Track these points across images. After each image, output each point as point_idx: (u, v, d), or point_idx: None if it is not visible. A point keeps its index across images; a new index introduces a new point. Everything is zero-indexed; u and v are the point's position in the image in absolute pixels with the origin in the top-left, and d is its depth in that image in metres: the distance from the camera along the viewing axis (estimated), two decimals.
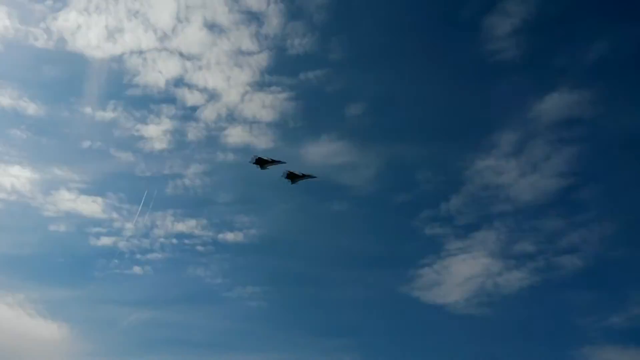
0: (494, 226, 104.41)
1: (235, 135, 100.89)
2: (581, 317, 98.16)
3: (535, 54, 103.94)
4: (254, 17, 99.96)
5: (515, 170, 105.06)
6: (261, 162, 63.82)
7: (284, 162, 63.85)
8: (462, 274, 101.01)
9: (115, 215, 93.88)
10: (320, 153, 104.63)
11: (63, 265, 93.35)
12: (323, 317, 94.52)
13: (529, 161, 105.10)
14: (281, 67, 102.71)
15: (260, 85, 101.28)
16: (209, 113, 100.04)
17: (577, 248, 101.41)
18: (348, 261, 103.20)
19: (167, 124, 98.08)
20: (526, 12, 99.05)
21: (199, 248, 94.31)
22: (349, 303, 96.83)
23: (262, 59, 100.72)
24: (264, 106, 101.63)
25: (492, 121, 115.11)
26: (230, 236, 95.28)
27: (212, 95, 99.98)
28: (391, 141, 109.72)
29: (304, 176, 64.24)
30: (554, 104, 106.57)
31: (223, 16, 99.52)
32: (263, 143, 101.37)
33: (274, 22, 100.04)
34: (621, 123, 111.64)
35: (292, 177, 64.22)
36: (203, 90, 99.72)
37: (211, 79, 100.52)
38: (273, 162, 64.01)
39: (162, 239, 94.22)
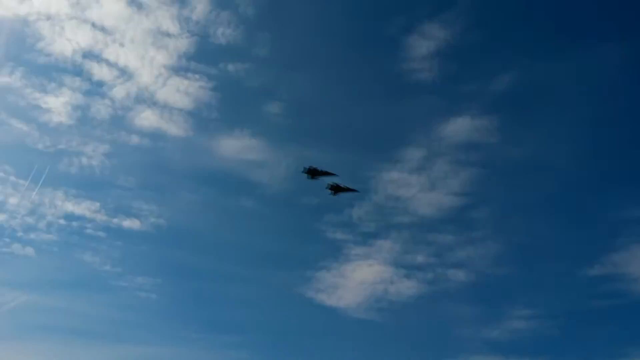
0: (392, 236, 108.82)
1: (146, 118, 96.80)
2: (462, 328, 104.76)
3: (447, 78, 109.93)
4: None
5: (417, 185, 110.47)
6: (313, 173, 63.77)
7: (336, 175, 63.78)
8: (358, 279, 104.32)
9: None
10: (234, 147, 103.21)
11: None
12: (216, 313, 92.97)
13: (430, 178, 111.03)
14: (203, 55, 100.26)
15: (178, 70, 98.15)
16: (118, 91, 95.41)
17: (464, 263, 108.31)
18: (249, 258, 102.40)
19: (69, 97, 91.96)
20: (445, 37, 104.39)
21: (89, 231, 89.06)
22: (245, 300, 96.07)
23: (184, 44, 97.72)
24: (180, 92, 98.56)
25: (402, 136, 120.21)
26: (127, 222, 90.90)
27: (125, 73, 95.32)
28: (305, 144, 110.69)
29: (347, 189, 64.47)
30: (459, 127, 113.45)
31: None
32: (175, 130, 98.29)
33: (199, 7, 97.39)
34: (514, 151, 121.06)
35: (336, 189, 64.43)
36: (115, 66, 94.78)
37: (125, 55, 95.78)
38: (326, 173, 63.85)
39: (49, 218, 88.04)
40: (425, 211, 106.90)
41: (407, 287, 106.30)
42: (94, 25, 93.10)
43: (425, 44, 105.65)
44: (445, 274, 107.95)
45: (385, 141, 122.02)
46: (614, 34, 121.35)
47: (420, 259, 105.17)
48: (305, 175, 64.37)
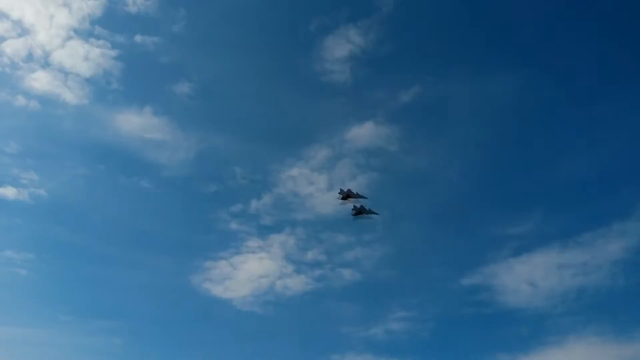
0: (287, 231, 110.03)
1: (37, 79, 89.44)
2: (345, 326, 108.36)
3: (358, 83, 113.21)
4: None
5: (321, 183, 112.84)
6: (346, 196, 65.85)
7: (367, 198, 65.54)
8: (254, 271, 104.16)
9: None
10: (133, 123, 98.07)
11: None
12: (91, 296, 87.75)
13: (331, 178, 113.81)
14: (110, 21, 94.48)
15: (80, 33, 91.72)
16: (15, 48, 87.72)
17: (352, 263, 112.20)
18: (141, 242, 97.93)
19: None
20: (361, 43, 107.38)
21: None
22: (126, 285, 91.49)
23: (94, 7, 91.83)
24: (80, 56, 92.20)
25: (309, 134, 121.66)
26: (1, 190, 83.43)
27: (18, 27, 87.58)
28: (211, 129, 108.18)
29: (369, 212, 65.34)
30: (364, 132, 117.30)
31: None
32: (69, 96, 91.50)
33: None
34: (409, 161, 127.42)
35: (359, 212, 65.54)
36: (7, 17, 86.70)
37: (21, 8, 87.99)
38: (358, 196, 65.61)
39: None
40: (325, 210, 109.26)
41: (296, 283, 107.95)
42: None
43: (341, 46, 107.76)
44: (333, 272, 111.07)
45: (292, 137, 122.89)
46: (514, 63, 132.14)
47: (311, 256, 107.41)
48: (340, 198, 66.76)
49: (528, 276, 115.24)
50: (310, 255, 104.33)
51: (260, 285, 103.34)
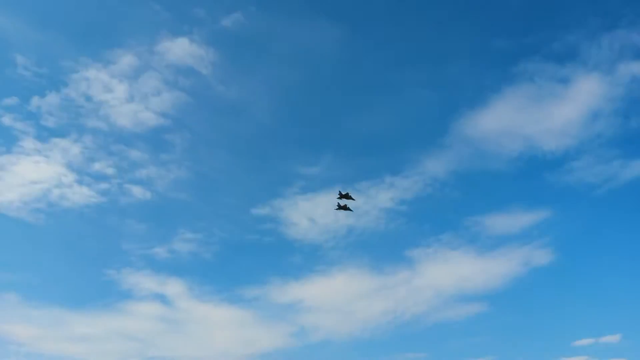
0: (79, 138, 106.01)
1: None
2: (130, 243, 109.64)
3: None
4: None
5: (121, 92, 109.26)
6: (343, 196, 78.07)
7: (355, 200, 79.65)
8: (26, 175, 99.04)
9: None
10: None
11: None
12: None
13: (136, 90, 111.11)
14: None
15: None
16: None
17: (146, 182, 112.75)
18: None
19: None
20: None
21: None
22: None
23: None
24: None
25: (116, 36, 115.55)
26: None
27: None
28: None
29: (348, 209, 79.83)
30: (178, 48, 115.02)
31: None
32: None
33: None
34: (221, 88, 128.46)
35: (341, 208, 79.68)
36: None
37: None
38: (351, 198, 78.28)
39: None
40: (124, 122, 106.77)
41: (76, 194, 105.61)
42: None
43: None
44: (121, 188, 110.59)
45: (93, 34, 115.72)
46: (338, 17, 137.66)
47: (98, 167, 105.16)
48: (338, 197, 79.15)
49: (309, 213, 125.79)
50: (97, 167, 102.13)
51: (32, 192, 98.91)
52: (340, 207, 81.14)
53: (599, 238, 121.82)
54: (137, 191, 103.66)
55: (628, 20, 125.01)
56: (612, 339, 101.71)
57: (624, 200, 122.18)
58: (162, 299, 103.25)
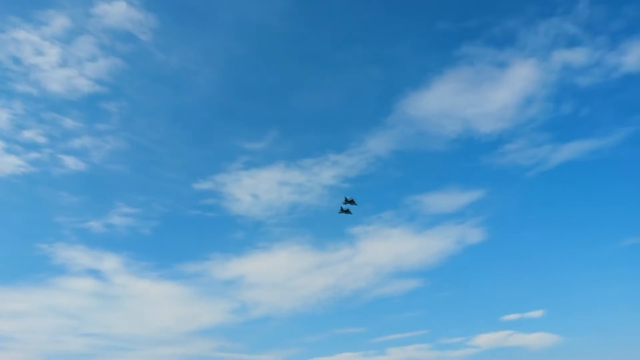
0: (6, 104, 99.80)
1: None
2: (63, 215, 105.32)
3: None
4: None
5: (53, 57, 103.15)
6: (349, 201, 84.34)
7: (357, 205, 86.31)
8: None
9: None
10: None
11: None
12: None
13: (69, 54, 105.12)
14: None
15: None
16: None
17: (80, 152, 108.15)
18: None
19: None
20: None
21: None
22: None
23: None
24: None
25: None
26: None
27: None
28: None
29: (348, 212, 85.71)
30: (114, 10, 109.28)
31: None
32: None
33: None
34: (164, 57, 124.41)
35: (343, 211, 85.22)
36: None
37: None
38: (354, 203, 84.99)
39: None
40: (56, 87, 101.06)
41: (4, 163, 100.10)
42: None
43: None
44: (54, 158, 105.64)
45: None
46: None
47: (28, 135, 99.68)
48: (343, 202, 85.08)
49: (253, 189, 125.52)
50: (27, 135, 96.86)
51: None
52: (342, 211, 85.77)
53: (528, 219, 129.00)
54: (71, 162, 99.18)
55: (563, 9, 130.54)
56: (536, 314, 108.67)
57: (553, 183, 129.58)
58: (97, 274, 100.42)
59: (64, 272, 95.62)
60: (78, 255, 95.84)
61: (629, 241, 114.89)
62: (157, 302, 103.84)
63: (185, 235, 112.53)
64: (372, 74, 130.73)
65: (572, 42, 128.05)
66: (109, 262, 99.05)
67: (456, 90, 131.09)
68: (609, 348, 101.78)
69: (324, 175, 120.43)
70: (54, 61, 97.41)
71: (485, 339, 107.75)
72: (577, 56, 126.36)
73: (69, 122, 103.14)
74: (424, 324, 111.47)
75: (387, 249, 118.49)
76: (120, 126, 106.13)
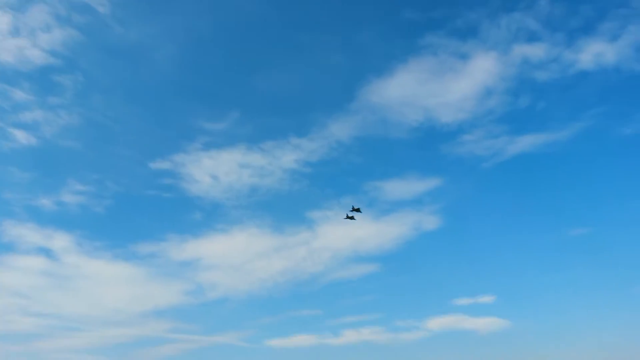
0: None
1: None
2: (12, 192, 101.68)
3: None
4: None
5: (4, 25, 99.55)
6: (355, 210, 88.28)
7: (360, 212, 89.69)
8: None
9: None
10: None
11: None
12: None
13: (22, 23, 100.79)
14: None
15: None
16: None
17: (31, 126, 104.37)
18: None
19: None
20: None
21: None
22: None
23: None
24: None
25: None
26: None
27: None
28: None
29: (352, 218, 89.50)
30: None
31: None
32: None
33: None
34: (122, 30, 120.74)
35: (348, 217, 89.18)
36: None
37: None
38: (359, 211, 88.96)
39: None
40: (1, 57, 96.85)
41: None
42: None
43: None
44: (5, 132, 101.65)
45: None
46: None
47: None
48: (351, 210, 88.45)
49: (212, 170, 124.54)
50: None
51: None
52: (348, 217, 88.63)
53: (482, 208, 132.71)
54: (21, 136, 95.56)
55: (525, 4, 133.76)
56: (487, 299, 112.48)
57: (507, 173, 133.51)
58: (47, 253, 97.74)
59: (12, 250, 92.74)
60: (28, 233, 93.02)
61: (577, 231, 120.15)
62: (110, 283, 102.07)
63: (141, 215, 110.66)
64: (337, 59, 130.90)
65: (532, 38, 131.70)
66: (60, 241, 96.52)
67: (419, 79, 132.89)
68: (556, 333, 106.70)
69: (285, 159, 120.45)
70: (5, 29, 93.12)
71: (437, 323, 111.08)
72: (536, 51, 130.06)
73: (19, 94, 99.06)
74: (378, 307, 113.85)
75: (346, 234, 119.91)
76: (74, 101, 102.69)
